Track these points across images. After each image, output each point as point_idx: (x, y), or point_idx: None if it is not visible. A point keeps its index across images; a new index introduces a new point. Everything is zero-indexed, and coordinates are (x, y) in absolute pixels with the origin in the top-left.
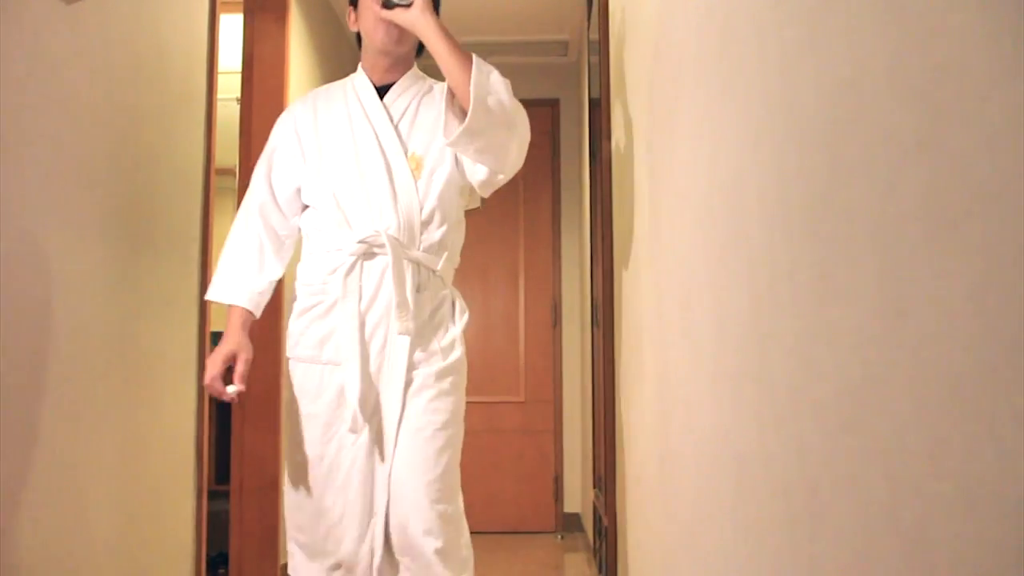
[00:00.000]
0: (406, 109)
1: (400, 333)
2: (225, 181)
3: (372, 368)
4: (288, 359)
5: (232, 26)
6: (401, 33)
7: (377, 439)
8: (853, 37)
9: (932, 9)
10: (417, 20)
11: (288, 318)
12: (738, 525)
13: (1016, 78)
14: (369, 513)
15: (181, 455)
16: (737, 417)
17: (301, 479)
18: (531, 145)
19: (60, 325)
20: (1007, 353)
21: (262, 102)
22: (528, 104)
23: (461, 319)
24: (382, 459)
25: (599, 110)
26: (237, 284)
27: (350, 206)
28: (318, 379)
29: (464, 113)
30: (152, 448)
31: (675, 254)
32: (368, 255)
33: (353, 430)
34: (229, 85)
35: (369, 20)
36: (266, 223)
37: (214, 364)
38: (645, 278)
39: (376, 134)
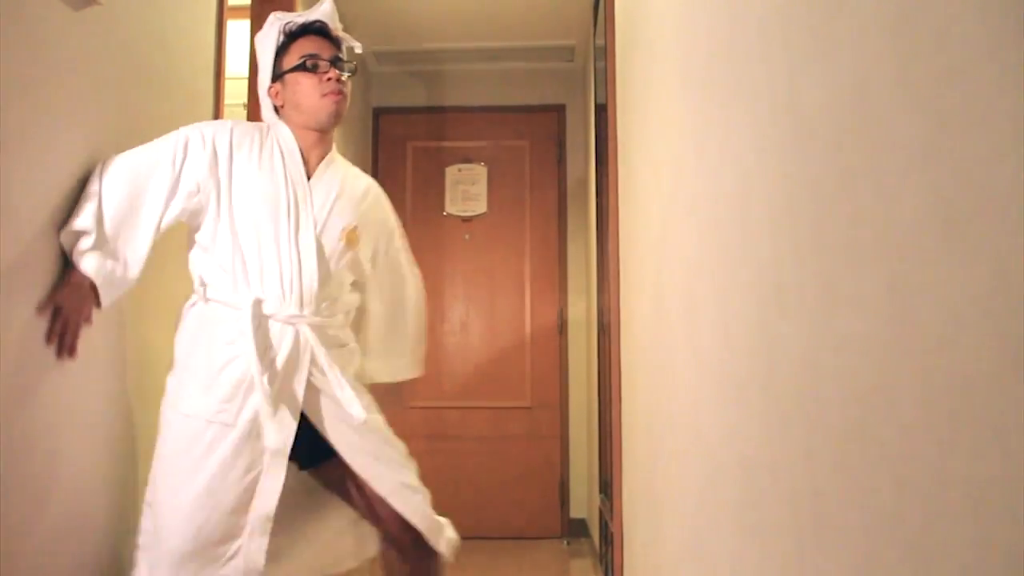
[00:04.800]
0: (335, 187)
1: None
2: None
3: None
4: None
5: (239, 32)
6: (341, 104)
7: None
8: (860, 43)
9: (938, 16)
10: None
11: None
12: (744, 531)
13: (1021, 84)
14: None
15: None
16: (743, 423)
17: None
18: (537, 150)
19: None
20: (1013, 359)
21: None
22: (534, 109)
23: None
24: None
25: (605, 115)
26: None
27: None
28: None
29: None
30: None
31: (681, 260)
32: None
33: None
34: (236, 90)
35: (313, 94)
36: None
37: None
38: (651, 284)
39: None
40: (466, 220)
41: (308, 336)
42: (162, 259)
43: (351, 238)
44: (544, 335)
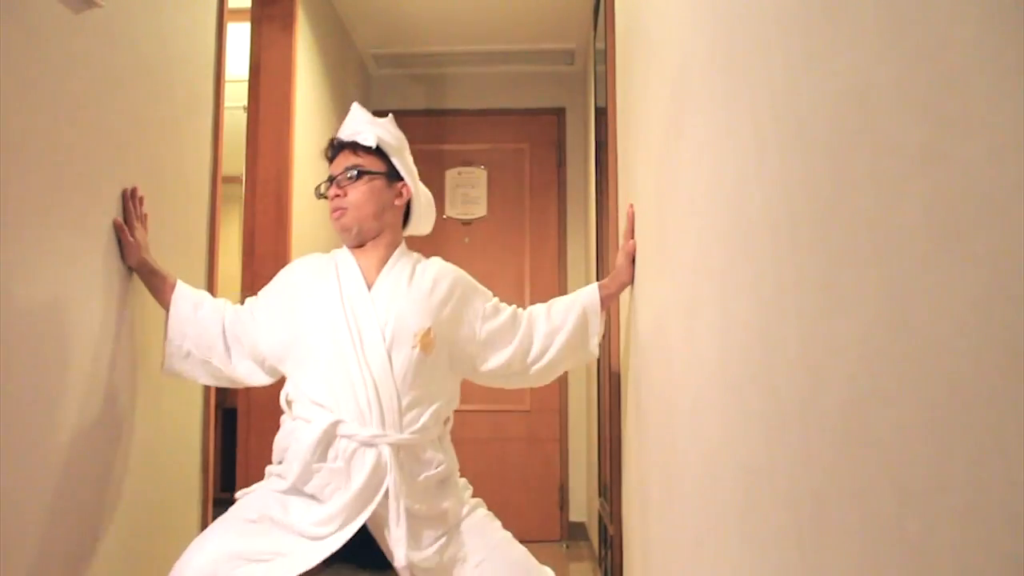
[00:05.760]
0: (399, 291)
1: None
2: (232, 189)
3: None
4: None
5: (239, 35)
6: (343, 217)
7: None
8: (859, 48)
9: (938, 20)
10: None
11: None
12: (744, 535)
13: (1021, 88)
14: None
15: (187, 463)
16: (743, 427)
17: None
18: (537, 154)
19: (65, 334)
20: (1013, 363)
21: (269, 110)
22: (534, 113)
23: None
24: None
25: (605, 119)
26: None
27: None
28: None
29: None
30: (158, 455)
31: (680, 263)
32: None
33: None
34: (236, 93)
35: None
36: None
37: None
38: (650, 288)
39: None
40: (466, 223)
41: (388, 458)
42: (162, 261)
43: (425, 342)
44: None
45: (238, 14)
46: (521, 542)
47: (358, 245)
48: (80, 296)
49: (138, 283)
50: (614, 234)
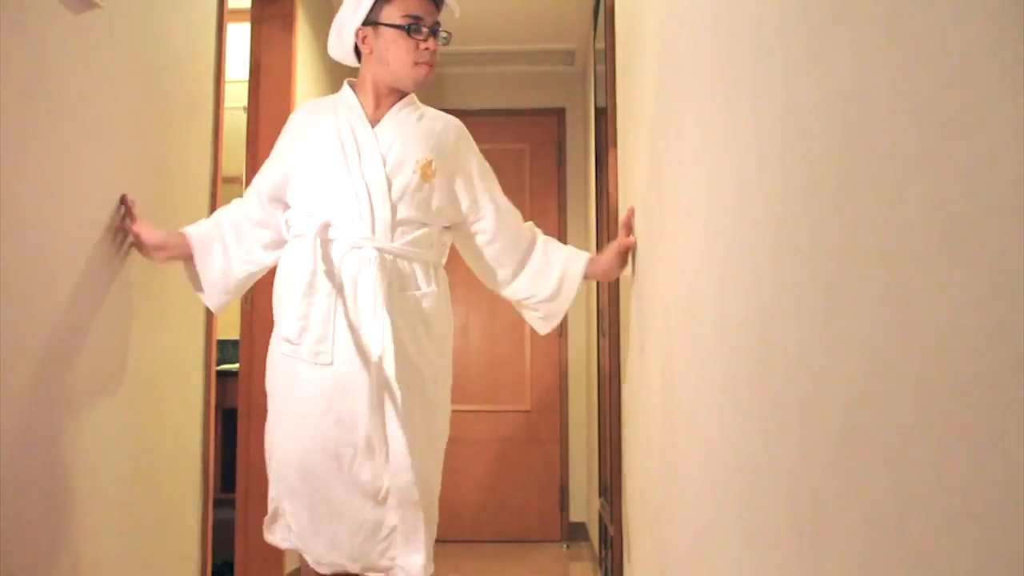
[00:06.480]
0: (407, 126)
1: None
2: (232, 190)
3: None
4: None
5: (239, 35)
6: (430, 74)
7: None
8: (858, 49)
9: (937, 21)
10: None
11: None
12: (744, 535)
13: (1021, 88)
14: None
15: (187, 463)
16: (743, 427)
17: None
18: (537, 154)
19: (66, 334)
20: (1013, 363)
21: (269, 111)
22: (534, 113)
23: None
24: None
25: (605, 119)
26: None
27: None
28: None
29: None
30: (158, 456)
31: (681, 264)
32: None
33: None
34: (236, 94)
35: (405, 59)
36: None
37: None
38: (651, 288)
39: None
40: None
41: (372, 258)
42: (168, 267)
43: (425, 171)
44: (544, 339)
45: (238, 14)
46: (521, 542)
47: (403, 91)
48: (79, 296)
49: (136, 283)
50: (614, 235)
